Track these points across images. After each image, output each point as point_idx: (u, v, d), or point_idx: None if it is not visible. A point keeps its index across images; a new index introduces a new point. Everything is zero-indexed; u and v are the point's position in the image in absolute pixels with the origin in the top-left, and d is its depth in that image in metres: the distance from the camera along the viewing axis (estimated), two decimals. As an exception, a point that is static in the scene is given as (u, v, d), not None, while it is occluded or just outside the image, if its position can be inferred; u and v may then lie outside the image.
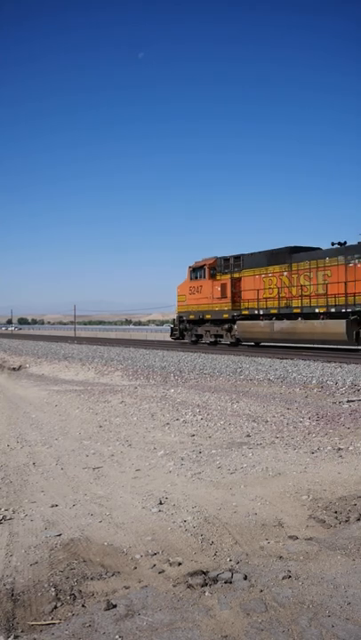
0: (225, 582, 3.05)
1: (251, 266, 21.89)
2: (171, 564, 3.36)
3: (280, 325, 19.79)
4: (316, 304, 18.58)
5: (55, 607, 2.91)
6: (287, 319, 19.72)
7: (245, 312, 21.86)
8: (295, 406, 8.40)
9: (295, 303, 19.51)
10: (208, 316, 24.19)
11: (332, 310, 17.97)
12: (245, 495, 4.57)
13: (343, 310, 17.50)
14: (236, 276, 22.48)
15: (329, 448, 5.96)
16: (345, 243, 18.16)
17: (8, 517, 4.28)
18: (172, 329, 28.14)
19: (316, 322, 18.37)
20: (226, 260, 23.30)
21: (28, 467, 5.84)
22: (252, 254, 22.15)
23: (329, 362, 14.87)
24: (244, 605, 2.80)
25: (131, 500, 4.59)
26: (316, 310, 18.56)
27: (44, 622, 2.78)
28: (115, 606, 2.85)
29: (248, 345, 21.79)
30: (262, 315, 21.04)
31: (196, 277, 24.96)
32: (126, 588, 3.10)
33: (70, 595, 3.03)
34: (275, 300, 20.44)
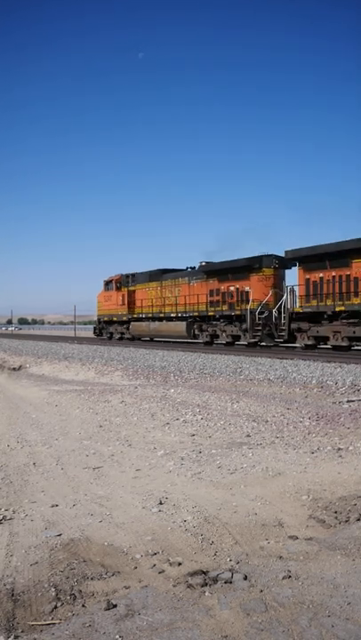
0: (225, 582, 3.06)
1: (139, 282, 30.47)
2: (171, 564, 3.36)
3: (153, 325, 28.75)
4: (172, 311, 27.06)
5: (55, 607, 2.91)
6: (158, 321, 28.35)
7: (136, 315, 30.38)
8: (295, 406, 8.40)
9: (162, 310, 27.92)
10: (115, 319, 32.65)
11: (180, 315, 26.43)
12: (245, 495, 4.58)
13: (185, 315, 26.01)
14: (132, 289, 30.95)
15: (329, 448, 5.96)
16: (194, 267, 26.49)
17: (8, 517, 4.28)
18: (94, 328, 37.60)
19: (171, 323, 27.22)
20: (126, 276, 31.69)
21: (29, 467, 5.84)
22: (141, 273, 30.59)
23: (329, 362, 14.88)
24: (244, 605, 2.80)
25: (131, 500, 4.59)
26: (172, 315, 27.05)
27: (44, 622, 2.78)
28: (115, 606, 2.85)
29: (143, 340, 29.46)
30: (145, 318, 29.66)
31: (108, 289, 33.02)
32: (126, 587, 3.10)
33: (70, 595, 3.04)
34: (152, 307, 28.86)
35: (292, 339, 20.27)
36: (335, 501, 4.32)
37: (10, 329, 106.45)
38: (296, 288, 20.23)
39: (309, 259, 19.44)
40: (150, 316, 28.94)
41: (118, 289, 31.71)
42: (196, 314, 25.09)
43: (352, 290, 17.79)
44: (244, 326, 21.92)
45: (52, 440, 7.16)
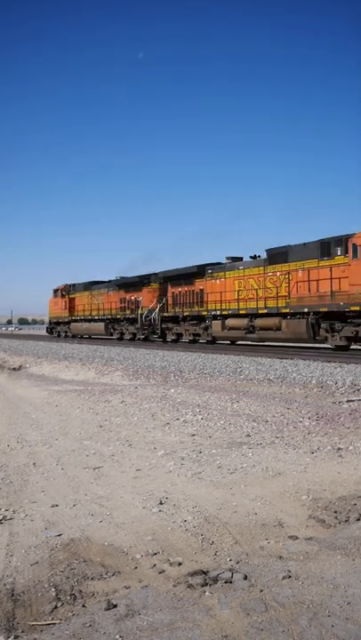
0: (225, 582, 3.06)
1: (78, 291, 38.33)
2: (171, 564, 3.37)
3: (85, 325, 36.65)
4: (97, 314, 34.83)
5: (55, 607, 2.92)
6: (87, 322, 36.11)
7: (75, 318, 38.21)
8: (295, 406, 8.40)
9: (91, 313, 35.67)
10: (60, 320, 40.75)
11: (101, 318, 34.21)
12: (245, 495, 4.58)
13: (104, 318, 33.79)
14: (72, 296, 38.86)
15: (329, 448, 5.96)
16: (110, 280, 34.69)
17: (8, 517, 4.28)
18: (47, 328, 46.40)
19: (96, 324, 35.03)
20: (69, 286, 39.37)
21: (29, 467, 5.84)
22: (79, 283, 38.42)
23: (329, 362, 14.88)
24: (244, 605, 2.80)
25: (131, 500, 4.59)
26: (96, 317, 34.85)
27: (45, 622, 2.79)
28: (115, 606, 2.86)
29: (80, 337, 36.79)
30: (80, 319, 37.31)
31: (56, 296, 40.92)
32: (127, 587, 3.10)
33: (71, 595, 3.04)
34: (85, 311, 36.55)
35: (164, 335, 28.63)
36: (335, 501, 4.32)
37: (10, 329, 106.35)
38: (165, 299, 28.30)
39: (173, 278, 27.79)
40: (83, 318, 37.01)
41: (63, 296, 39.82)
42: (110, 317, 33.40)
43: (194, 300, 25.95)
44: (137, 326, 29.71)
45: (52, 440, 7.16)
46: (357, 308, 16.32)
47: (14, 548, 3.71)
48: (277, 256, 20.43)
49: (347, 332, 17.10)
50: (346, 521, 3.94)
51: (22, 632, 2.72)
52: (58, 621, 2.78)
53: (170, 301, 27.73)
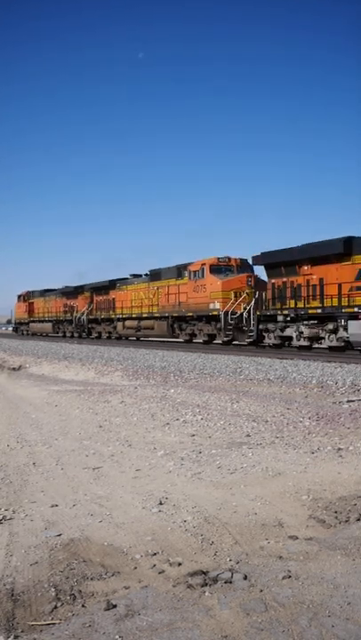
0: (225, 582, 3.06)
1: (35, 297, 46.85)
2: (171, 564, 3.36)
3: (39, 325, 45.10)
4: (48, 316, 43.16)
5: (55, 607, 2.91)
6: (41, 322, 44.95)
7: (33, 319, 46.86)
8: (295, 406, 8.40)
9: (44, 316, 44.13)
10: (22, 321, 49.39)
11: (50, 319, 42.62)
12: (245, 495, 4.57)
13: (52, 319, 42.28)
14: (31, 301, 47.40)
15: (329, 448, 5.96)
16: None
17: (8, 517, 4.28)
18: (13, 328, 54.67)
19: (46, 324, 43.41)
20: (29, 292, 47.74)
21: (28, 467, 5.84)
22: (37, 290, 46.90)
23: (329, 362, 14.88)
24: (244, 605, 2.80)
25: (131, 500, 4.59)
26: (47, 319, 43.44)
27: (44, 622, 2.78)
28: (115, 606, 2.85)
29: (42, 335, 43.75)
30: (36, 320, 46.11)
31: (19, 301, 49.78)
32: (126, 588, 3.10)
33: (70, 595, 3.04)
34: (40, 313, 45.34)
35: (90, 333, 36.27)
36: (335, 501, 4.32)
37: (10, 329, 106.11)
38: (92, 305, 35.97)
39: (96, 289, 35.18)
40: (39, 319, 45.48)
41: (25, 301, 48.55)
42: (56, 318, 41.43)
43: (109, 307, 33.45)
44: (73, 326, 37.95)
45: (51, 440, 7.16)
46: (191, 314, 24.61)
47: (14, 547, 3.71)
48: (155, 275, 28.41)
49: (188, 330, 25.52)
50: (346, 521, 3.94)
51: (22, 632, 2.72)
52: (57, 621, 2.78)
53: (95, 307, 35.88)
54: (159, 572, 3.27)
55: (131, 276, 31.97)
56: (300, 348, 19.07)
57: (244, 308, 21.38)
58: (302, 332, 18.68)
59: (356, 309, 16.37)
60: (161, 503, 4.45)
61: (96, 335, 35.38)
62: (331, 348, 18.11)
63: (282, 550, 3.49)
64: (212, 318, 23.14)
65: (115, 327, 32.26)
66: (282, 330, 19.74)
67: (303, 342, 18.79)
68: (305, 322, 18.58)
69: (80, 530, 3.97)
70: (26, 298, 48.58)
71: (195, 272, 24.18)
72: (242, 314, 21.42)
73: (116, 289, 32.60)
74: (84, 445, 6.73)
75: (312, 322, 18.35)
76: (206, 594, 2.95)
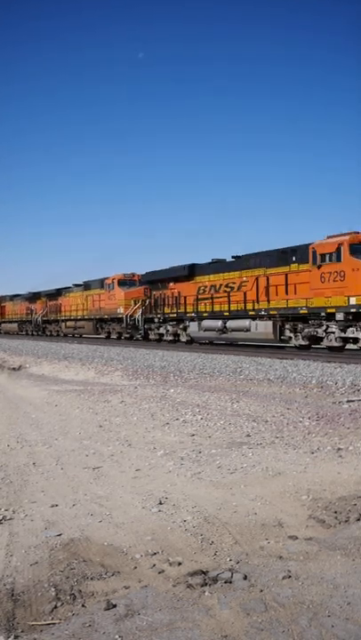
0: (225, 582, 3.06)
1: (6, 301, 51.74)
2: (171, 564, 3.36)
3: (10, 326, 50.11)
4: (15, 318, 48.57)
5: (55, 607, 2.92)
6: (9, 323, 50.25)
7: (4, 320, 51.73)
8: (295, 406, 8.41)
9: (12, 317, 49.51)
10: None
11: (16, 320, 48.57)
12: (245, 495, 4.58)
13: (18, 320, 48.20)
14: (3, 305, 52.46)
15: (329, 448, 5.96)
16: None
17: (8, 517, 4.28)
18: None
19: (14, 324, 48.98)
20: (2, 297, 52.71)
21: (28, 467, 5.84)
22: (6, 295, 52.08)
23: (329, 362, 14.87)
24: (244, 605, 2.80)
25: (131, 500, 4.59)
26: (15, 320, 48.86)
27: (44, 622, 2.78)
28: (115, 606, 2.85)
29: (9, 333, 44.43)
30: (6, 321, 51.29)
31: None
32: (126, 587, 3.10)
33: (70, 595, 3.04)
34: (9, 315, 50.73)
35: (44, 332, 42.45)
36: (335, 501, 4.32)
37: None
38: (46, 309, 41.90)
39: (49, 295, 41.36)
40: (8, 320, 51.16)
41: None
42: (21, 320, 47.65)
43: (57, 310, 39.39)
44: (33, 326, 44.22)
45: (51, 440, 7.16)
46: (107, 317, 31.74)
47: (14, 547, 3.71)
48: (87, 285, 35.14)
49: (106, 329, 32.50)
50: (346, 521, 3.94)
51: (22, 632, 2.72)
52: (57, 621, 2.78)
53: (48, 310, 41.70)
54: (159, 572, 3.27)
55: (73, 285, 38.19)
56: (169, 342, 26.25)
57: (140, 313, 28.47)
58: (168, 330, 26.33)
59: (193, 314, 23.98)
60: (161, 503, 4.45)
61: (48, 333, 42.60)
62: (186, 342, 25.12)
63: (282, 550, 3.49)
64: (119, 320, 30.54)
65: (60, 327, 40.00)
66: (157, 328, 27.30)
67: (169, 337, 26.32)
68: (170, 323, 26.25)
69: (80, 530, 3.97)
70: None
71: (108, 284, 31.70)
72: (137, 317, 28.69)
73: (62, 296, 39.35)
74: (84, 445, 6.73)
75: (173, 322, 26.07)
76: (206, 594, 2.96)
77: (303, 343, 18.79)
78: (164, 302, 26.27)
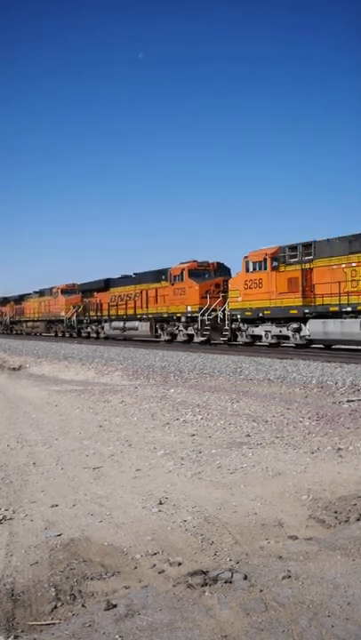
0: (225, 582, 3.06)
1: (6, 301, 53.60)
2: (171, 564, 3.36)
3: None
4: (6, 320, 53.52)
5: (55, 607, 2.92)
6: None
7: None
8: (295, 406, 8.41)
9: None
10: None
11: (1, 321, 54.08)
12: (245, 495, 4.58)
13: (0, 321, 54.23)
14: None
15: (329, 448, 5.96)
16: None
17: (8, 517, 4.28)
18: None
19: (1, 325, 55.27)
20: None
21: (28, 467, 5.84)
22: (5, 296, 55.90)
23: (329, 362, 14.88)
24: (244, 605, 2.80)
25: (131, 500, 4.59)
26: (7, 321, 52.68)
27: (44, 622, 2.78)
28: (115, 606, 2.85)
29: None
30: None
31: None
32: (126, 587, 3.10)
33: (70, 595, 3.04)
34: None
35: (12, 331, 49.81)
36: (335, 501, 4.32)
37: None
38: (15, 312, 49.60)
39: (14, 300, 48.72)
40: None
41: None
42: (6, 319, 50.75)
43: (22, 313, 47.08)
44: (2, 326, 50.74)
45: (51, 440, 7.16)
46: (53, 318, 39.54)
47: (14, 547, 3.71)
48: (41, 293, 42.11)
49: (54, 328, 40.00)
50: (346, 521, 3.94)
51: (22, 632, 2.72)
52: (57, 621, 2.78)
53: (15, 313, 48.94)
54: (159, 572, 3.27)
55: (33, 292, 44.94)
56: (95, 338, 33.90)
57: (75, 316, 36.48)
58: (92, 329, 34.62)
59: (107, 317, 31.88)
60: (161, 503, 4.45)
61: (15, 332, 49.50)
62: (105, 338, 32.63)
63: (282, 550, 3.49)
64: (62, 321, 38.12)
65: (22, 327, 47.51)
66: (86, 327, 35.61)
67: (94, 335, 34.45)
68: (93, 323, 34.43)
69: (80, 530, 3.97)
70: None
71: (55, 292, 39.49)
72: (73, 319, 36.62)
73: (24, 301, 46.67)
74: (85, 445, 6.73)
75: (95, 323, 34.19)
76: (206, 594, 2.96)
77: (167, 338, 26.47)
78: (90, 307, 34.49)
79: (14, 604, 2.98)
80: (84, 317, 35.26)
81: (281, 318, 19.37)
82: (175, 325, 25.81)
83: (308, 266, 18.07)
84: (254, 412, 8.25)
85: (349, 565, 3.23)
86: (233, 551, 3.52)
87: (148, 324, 27.39)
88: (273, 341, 20.22)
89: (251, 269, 20.56)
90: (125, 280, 30.89)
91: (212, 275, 24.57)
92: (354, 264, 16.47)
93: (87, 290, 35.29)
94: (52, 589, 3.10)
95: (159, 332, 27.15)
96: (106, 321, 32.22)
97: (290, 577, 3.08)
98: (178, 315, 25.09)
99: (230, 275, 23.76)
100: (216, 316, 22.64)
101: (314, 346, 19.43)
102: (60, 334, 39.37)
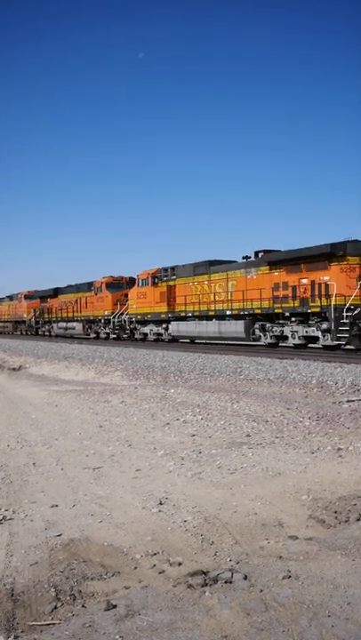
0: (225, 582, 3.06)
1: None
2: (171, 564, 3.36)
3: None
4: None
5: (55, 607, 2.92)
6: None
7: None
8: (295, 406, 8.41)
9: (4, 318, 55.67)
10: None
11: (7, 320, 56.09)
12: (245, 495, 4.58)
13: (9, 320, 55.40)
14: None
15: (329, 448, 5.96)
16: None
17: (8, 517, 4.28)
18: None
19: (9, 323, 55.01)
20: None
21: (28, 467, 5.84)
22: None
23: (329, 362, 14.88)
24: (244, 605, 2.80)
25: (131, 501, 4.59)
26: None
27: (44, 622, 2.78)
28: (115, 606, 2.85)
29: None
30: None
31: None
32: (126, 588, 3.10)
33: (70, 595, 3.04)
34: (4, 315, 52.70)
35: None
36: (335, 501, 4.32)
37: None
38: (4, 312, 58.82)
39: (1, 300, 56.38)
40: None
41: None
42: (12, 320, 52.28)
43: (2, 313, 55.73)
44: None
45: (51, 440, 7.16)
46: (18, 320, 46.84)
47: (14, 548, 3.71)
48: (10, 297, 47.88)
49: (20, 328, 46.36)
50: (346, 521, 3.94)
51: (22, 632, 2.72)
52: (57, 621, 2.78)
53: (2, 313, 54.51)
54: (159, 572, 3.27)
55: (6, 297, 51.00)
56: (49, 336, 39.93)
57: (34, 318, 43.01)
58: (46, 328, 41.18)
59: (55, 319, 39.00)
60: (161, 503, 4.45)
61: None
62: (55, 336, 38.64)
63: (282, 550, 3.49)
64: (24, 322, 45.30)
65: (15, 326, 51.56)
66: (42, 327, 41.97)
67: (47, 333, 40.91)
68: (46, 325, 41.07)
69: (80, 530, 3.97)
70: None
71: (19, 297, 46.01)
72: (32, 320, 43.28)
73: (1, 303, 52.11)
74: (85, 445, 6.73)
75: (48, 324, 40.73)
76: (206, 594, 2.96)
77: (94, 335, 33.53)
78: (45, 311, 41.33)
79: (14, 604, 2.98)
80: (40, 319, 42.65)
81: (157, 320, 27.02)
82: (98, 326, 33.37)
83: (172, 283, 25.74)
84: (254, 412, 8.25)
85: (349, 565, 3.23)
86: (233, 551, 3.52)
87: (82, 324, 34.97)
88: (153, 338, 27.92)
89: (140, 285, 28.12)
90: (69, 289, 37.83)
91: (124, 287, 31.52)
92: (196, 283, 24.25)
93: (43, 296, 42.28)
94: (52, 589, 3.10)
95: (88, 331, 34.51)
96: (54, 322, 39.54)
97: (290, 577, 3.08)
98: (99, 317, 32.85)
99: None
100: (123, 319, 29.81)
101: (314, 346, 19.46)
102: (24, 333, 46.63)
